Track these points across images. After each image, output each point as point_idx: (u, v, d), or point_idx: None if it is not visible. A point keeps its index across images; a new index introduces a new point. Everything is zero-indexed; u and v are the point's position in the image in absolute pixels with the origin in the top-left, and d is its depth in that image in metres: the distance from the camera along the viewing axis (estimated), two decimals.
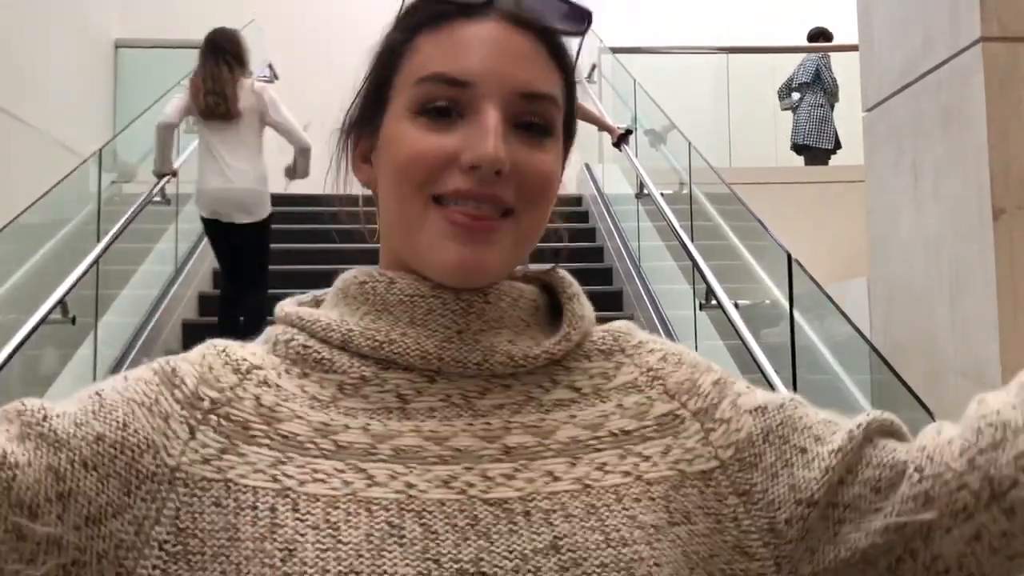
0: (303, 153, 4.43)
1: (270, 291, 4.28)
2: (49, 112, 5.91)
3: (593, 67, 7.40)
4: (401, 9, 0.68)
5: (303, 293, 0.72)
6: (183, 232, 5.51)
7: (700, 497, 0.65)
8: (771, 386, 3.17)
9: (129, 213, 4.20)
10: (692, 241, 4.17)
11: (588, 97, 6.97)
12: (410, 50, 0.66)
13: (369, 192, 0.71)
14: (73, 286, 3.49)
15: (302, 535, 0.58)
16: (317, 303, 0.72)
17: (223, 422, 0.62)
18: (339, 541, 0.58)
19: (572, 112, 0.70)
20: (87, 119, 6.75)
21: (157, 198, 4.69)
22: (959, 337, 3.44)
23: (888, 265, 4.23)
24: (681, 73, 8.18)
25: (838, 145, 8.12)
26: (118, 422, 0.60)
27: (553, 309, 0.72)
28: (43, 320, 3.26)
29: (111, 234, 3.97)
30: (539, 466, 0.62)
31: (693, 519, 0.64)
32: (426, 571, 0.57)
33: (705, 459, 0.66)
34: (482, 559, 0.58)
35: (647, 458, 0.65)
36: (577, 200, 7.29)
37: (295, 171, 4.48)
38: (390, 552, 0.58)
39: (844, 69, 7.94)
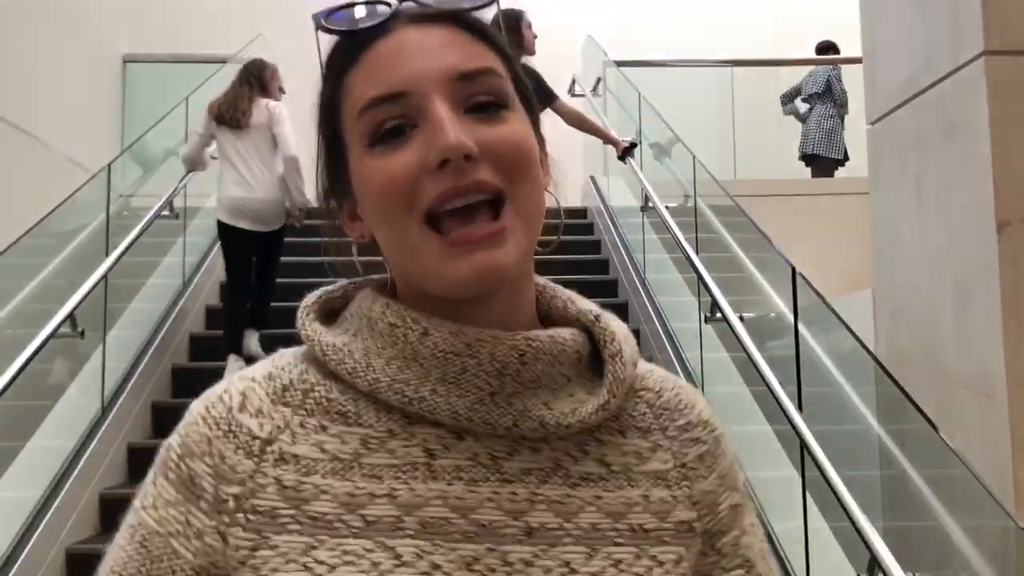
0: (288, 162, 4.68)
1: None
2: (58, 127, 5.96)
3: (598, 81, 7.43)
4: (322, 65, 0.68)
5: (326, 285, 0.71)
6: (191, 245, 5.54)
7: None
8: (776, 399, 3.19)
9: (139, 227, 4.24)
10: (697, 254, 4.19)
11: (593, 110, 7.00)
12: (343, 94, 0.65)
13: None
14: (83, 300, 3.52)
15: None
16: (330, 311, 0.70)
17: (250, 517, 0.62)
18: None
19: (522, 81, 0.67)
20: (96, 134, 6.80)
21: (165, 212, 4.73)
22: (963, 349, 3.44)
23: (892, 277, 4.23)
24: (686, 86, 8.20)
25: (847, 157, 8.14)
26: (171, 571, 0.64)
27: (596, 357, 0.70)
28: (53, 334, 3.28)
29: (120, 248, 4.01)
30: (558, 553, 0.62)
31: None
32: None
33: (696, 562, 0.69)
34: None
35: (661, 564, 0.66)
36: (582, 212, 7.31)
37: (287, 185, 4.72)
38: None
39: (850, 82, 7.97)
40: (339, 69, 0.66)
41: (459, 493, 0.62)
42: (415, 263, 0.63)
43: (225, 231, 4.78)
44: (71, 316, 3.43)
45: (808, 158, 8.25)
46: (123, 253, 4.00)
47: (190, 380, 4.84)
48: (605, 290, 5.92)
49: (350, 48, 0.65)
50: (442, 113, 0.60)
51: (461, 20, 0.65)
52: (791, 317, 3.42)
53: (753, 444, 3.97)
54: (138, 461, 4.20)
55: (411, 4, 0.64)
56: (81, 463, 3.74)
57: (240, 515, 0.62)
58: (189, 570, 0.63)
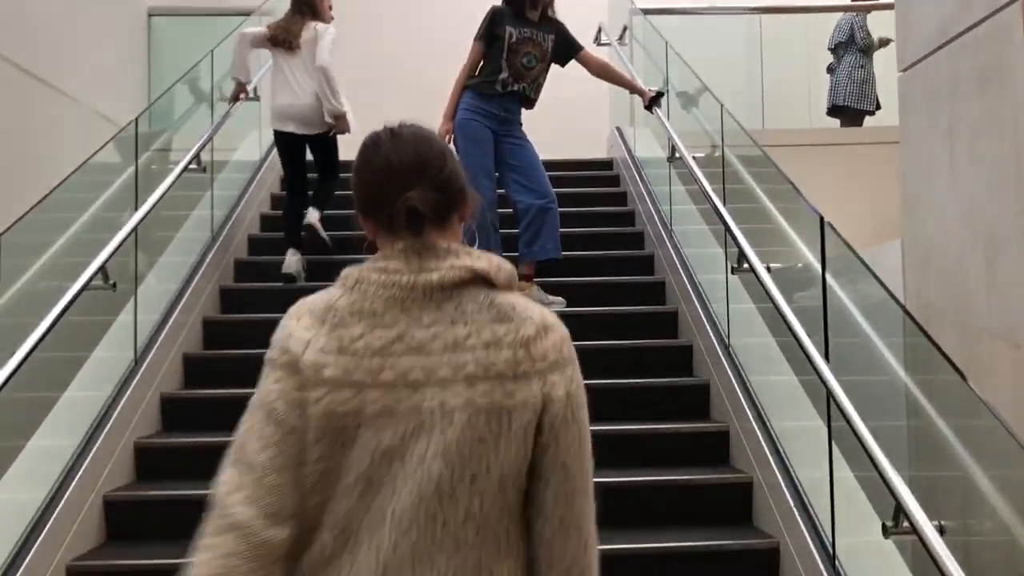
0: (318, 71, 5.31)
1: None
2: (86, 81, 5.97)
3: (624, 29, 7.34)
4: None
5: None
6: (219, 199, 5.56)
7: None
8: (803, 350, 3.18)
9: (168, 180, 4.26)
10: (724, 204, 4.16)
11: (619, 60, 6.92)
12: None
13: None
14: (114, 253, 3.56)
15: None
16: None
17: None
18: None
19: None
20: (123, 88, 6.80)
21: (193, 165, 4.75)
22: (994, 299, 3.42)
23: (922, 227, 4.18)
24: (713, 34, 8.08)
25: (879, 107, 7.99)
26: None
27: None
28: (85, 286, 3.33)
29: (150, 202, 4.03)
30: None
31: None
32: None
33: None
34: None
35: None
36: (608, 164, 7.26)
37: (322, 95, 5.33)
38: None
39: (882, 29, 7.81)
40: None
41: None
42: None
43: (277, 137, 5.53)
44: (103, 269, 3.47)
45: (837, 110, 8.11)
46: (153, 207, 4.03)
47: (221, 331, 4.91)
48: (631, 242, 5.91)
49: None
50: None
51: None
52: (819, 267, 3.41)
53: (779, 394, 3.98)
54: (171, 412, 4.28)
55: None
56: (115, 413, 3.82)
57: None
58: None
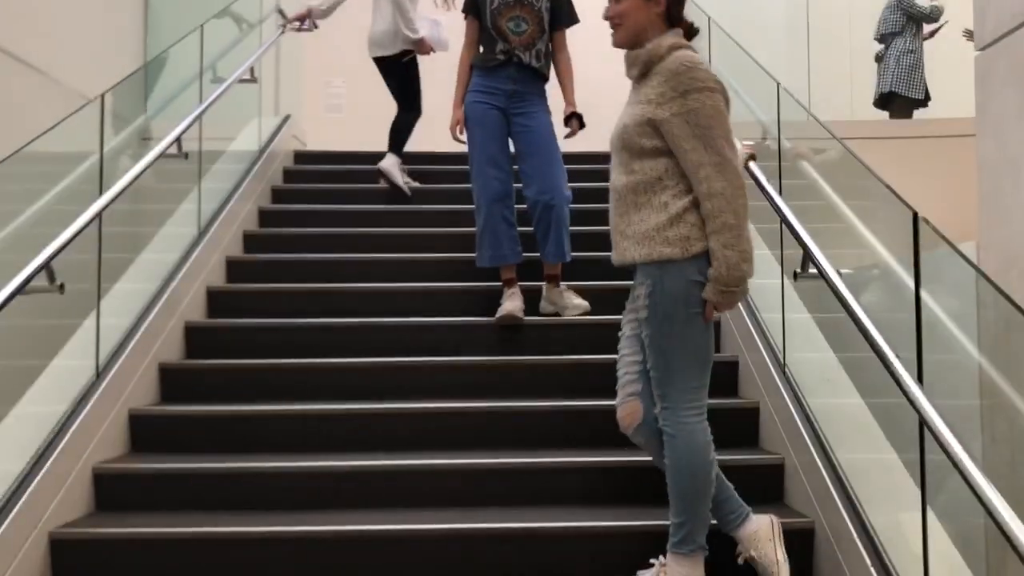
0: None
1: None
2: (76, 64, 5.49)
3: None
4: None
5: None
6: (208, 192, 5.03)
7: None
8: (887, 367, 2.60)
9: (136, 168, 3.70)
10: (782, 198, 3.58)
11: None
12: None
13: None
14: (61, 249, 3.01)
15: None
16: None
17: None
18: None
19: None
20: (117, 71, 6.31)
21: (173, 152, 4.20)
22: None
23: (1006, 228, 3.64)
24: (753, 20, 7.50)
25: (928, 97, 7.41)
26: None
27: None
28: (19, 289, 2.78)
29: (112, 191, 3.47)
30: None
31: None
32: None
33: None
34: None
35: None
36: None
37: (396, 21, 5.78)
38: None
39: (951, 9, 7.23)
40: None
41: None
42: None
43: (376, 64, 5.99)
44: (47, 267, 2.92)
45: (885, 99, 7.53)
46: (115, 198, 3.47)
47: (204, 338, 4.38)
48: None
49: None
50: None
51: None
52: (900, 271, 2.84)
53: (846, 421, 3.42)
54: (143, 431, 3.76)
55: None
56: (69, 434, 3.28)
57: None
58: None
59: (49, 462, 3.11)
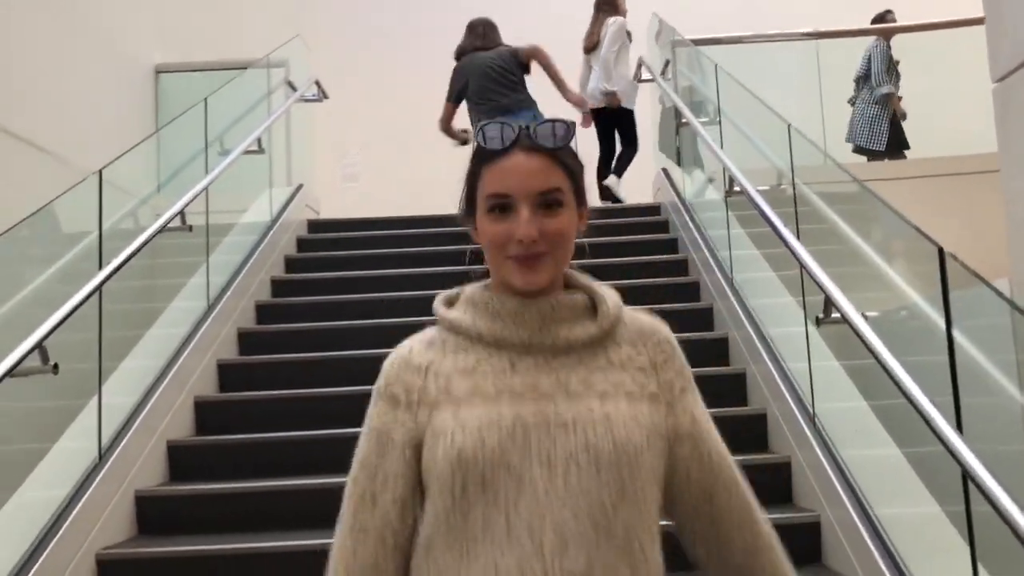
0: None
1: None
2: (90, 147, 5.48)
3: (667, 63, 6.70)
4: (472, 154, 1.35)
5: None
6: (217, 265, 4.96)
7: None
8: (922, 416, 2.44)
9: (136, 243, 3.63)
10: (800, 242, 3.44)
11: (665, 94, 6.31)
12: (479, 177, 1.32)
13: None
14: (53, 329, 2.92)
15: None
16: (450, 302, 1.41)
17: (424, 404, 1.31)
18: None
19: (581, 186, 1.35)
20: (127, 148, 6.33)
21: (176, 225, 4.14)
22: None
23: None
24: (762, 65, 7.42)
25: (903, 145, 7.31)
26: (391, 447, 1.32)
27: (595, 308, 1.38)
28: (11, 371, 2.68)
29: (108, 269, 3.38)
30: (584, 402, 1.28)
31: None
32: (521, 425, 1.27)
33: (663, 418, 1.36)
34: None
35: (640, 410, 1.32)
36: (655, 209, 6.58)
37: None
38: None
39: (949, 46, 7.12)
40: (480, 160, 1.32)
41: (530, 379, 1.30)
42: (501, 273, 1.33)
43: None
44: (40, 347, 2.83)
45: (860, 148, 7.49)
46: (113, 272, 3.39)
47: (214, 412, 4.27)
48: (685, 294, 5.18)
49: (488, 153, 1.31)
50: (525, 215, 1.28)
51: (551, 150, 1.31)
52: (931, 312, 2.69)
53: (878, 472, 3.23)
54: (151, 512, 3.62)
55: (525, 139, 1.30)
56: (69, 519, 3.16)
57: (420, 405, 1.31)
58: (400, 444, 1.31)
59: (48, 550, 2.98)
